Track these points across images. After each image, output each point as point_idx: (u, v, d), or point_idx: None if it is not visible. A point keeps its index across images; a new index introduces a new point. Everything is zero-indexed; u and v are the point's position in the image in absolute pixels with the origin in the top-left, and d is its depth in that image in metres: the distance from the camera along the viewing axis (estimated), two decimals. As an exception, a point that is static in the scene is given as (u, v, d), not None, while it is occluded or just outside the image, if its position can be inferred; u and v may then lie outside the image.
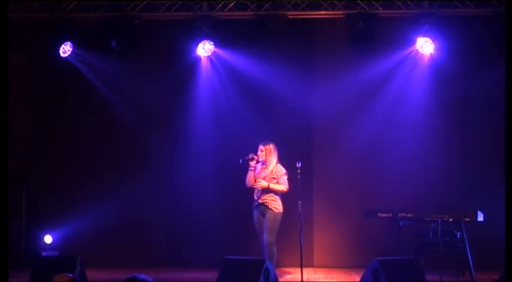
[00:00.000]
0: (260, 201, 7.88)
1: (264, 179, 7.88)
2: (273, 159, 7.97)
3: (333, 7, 8.92)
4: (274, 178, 7.89)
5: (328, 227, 9.51)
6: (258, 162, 7.98)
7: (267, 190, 7.86)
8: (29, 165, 9.73)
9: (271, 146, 7.99)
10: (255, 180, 7.90)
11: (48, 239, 9.35)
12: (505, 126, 6.72)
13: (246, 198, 8.14)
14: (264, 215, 7.87)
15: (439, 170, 9.24)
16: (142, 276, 3.93)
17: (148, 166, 9.60)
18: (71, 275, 4.20)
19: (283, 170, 7.94)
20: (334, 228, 9.50)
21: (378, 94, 9.33)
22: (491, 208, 8.34)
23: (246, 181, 7.98)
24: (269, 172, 7.92)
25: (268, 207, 7.85)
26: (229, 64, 9.34)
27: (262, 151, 7.94)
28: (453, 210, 8.33)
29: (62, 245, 9.35)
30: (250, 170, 7.91)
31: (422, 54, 8.97)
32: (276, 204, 7.87)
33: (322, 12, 8.99)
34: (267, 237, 7.79)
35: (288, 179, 7.91)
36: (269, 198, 7.86)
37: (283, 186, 7.87)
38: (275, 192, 7.88)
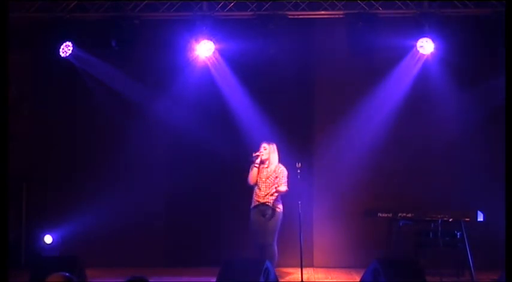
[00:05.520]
0: (262, 200, 7.88)
1: (267, 178, 7.91)
2: (275, 158, 8.03)
3: (333, 7, 8.93)
4: (277, 177, 7.92)
5: (328, 227, 9.50)
6: (261, 161, 7.99)
7: (268, 190, 7.87)
8: (29, 165, 9.72)
9: (274, 145, 8.06)
10: (258, 179, 7.92)
11: (48, 239, 9.34)
12: (505, 126, 6.71)
13: (246, 198, 8.15)
14: (264, 215, 7.88)
15: (439, 170, 9.24)
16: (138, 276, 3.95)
17: (149, 166, 9.59)
18: (67, 274, 4.19)
19: (286, 171, 7.99)
20: (334, 228, 9.49)
21: (378, 94, 9.33)
22: (491, 208, 8.35)
23: (249, 178, 7.99)
24: (272, 171, 7.94)
25: (271, 207, 7.87)
26: (229, 64, 9.34)
27: (265, 149, 7.97)
28: (453, 210, 8.35)
29: (62, 245, 9.35)
30: (255, 166, 7.92)
31: (422, 54, 8.97)
32: (278, 205, 7.91)
33: (322, 12, 8.99)
34: (269, 237, 7.80)
35: (288, 179, 7.96)
36: (271, 198, 7.89)
37: (284, 186, 7.90)
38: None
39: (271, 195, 7.90)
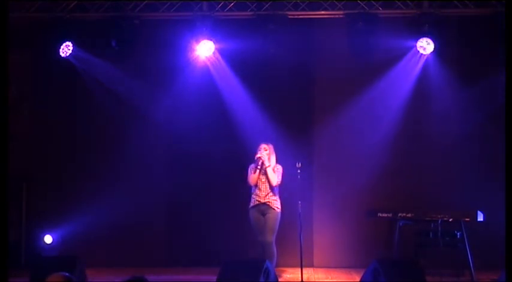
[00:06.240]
0: (262, 200, 7.92)
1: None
2: (274, 158, 8.08)
3: (333, 7, 8.94)
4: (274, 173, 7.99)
5: (328, 227, 9.50)
6: (263, 162, 8.02)
7: (268, 190, 7.90)
8: (29, 165, 9.72)
9: (272, 146, 8.09)
10: (258, 180, 7.96)
11: (48, 239, 9.35)
12: (505, 126, 6.71)
13: (246, 198, 8.15)
14: (264, 215, 7.91)
15: (439, 169, 9.24)
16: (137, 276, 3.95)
17: (149, 166, 9.59)
18: (67, 274, 4.19)
19: (281, 169, 8.04)
20: (334, 228, 9.49)
21: (378, 94, 9.33)
22: (491, 208, 8.35)
23: (250, 180, 8.01)
24: (271, 169, 7.98)
25: (270, 206, 7.91)
26: (230, 64, 9.35)
27: (266, 150, 8.03)
28: (453, 210, 8.35)
29: (62, 245, 9.35)
30: (258, 168, 7.95)
31: (423, 54, 8.97)
32: (278, 204, 7.94)
33: (322, 12, 9.01)
34: (267, 236, 7.83)
35: (283, 178, 8.00)
36: (271, 198, 7.94)
37: (277, 177, 7.94)
38: (274, 192, 7.94)
39: (270, 195, 7.92)
